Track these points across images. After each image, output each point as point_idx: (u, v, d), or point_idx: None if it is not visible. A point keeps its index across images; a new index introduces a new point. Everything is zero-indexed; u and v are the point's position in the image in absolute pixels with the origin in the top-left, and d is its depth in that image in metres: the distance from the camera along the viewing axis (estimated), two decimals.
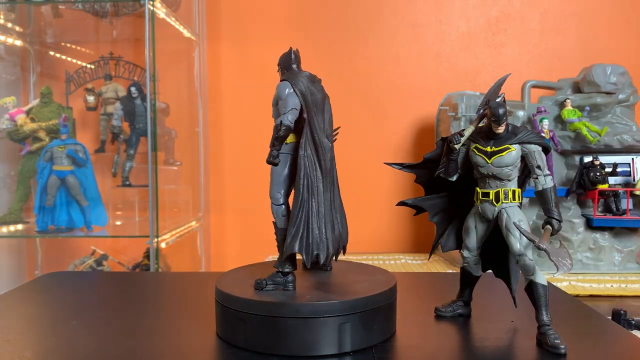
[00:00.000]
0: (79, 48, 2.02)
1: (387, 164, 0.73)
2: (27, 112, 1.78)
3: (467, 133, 0.66)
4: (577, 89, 1.81)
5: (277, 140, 0.66)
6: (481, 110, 0.66)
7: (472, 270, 0.71)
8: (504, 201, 0.65)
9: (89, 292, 0.94)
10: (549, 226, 0.62)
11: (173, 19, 1.83)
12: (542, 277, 0.63)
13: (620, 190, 1.64)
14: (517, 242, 0.63)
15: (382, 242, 2.04)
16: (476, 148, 0.65)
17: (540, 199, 0.64)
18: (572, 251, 1.63)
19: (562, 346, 0.59)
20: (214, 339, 0.65)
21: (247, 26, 2.04)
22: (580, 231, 1.66)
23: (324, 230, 0.65)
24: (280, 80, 0.69)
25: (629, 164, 1.70)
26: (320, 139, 0.66)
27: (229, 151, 2.07)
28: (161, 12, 1.73)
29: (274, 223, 0.70)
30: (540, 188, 0.63)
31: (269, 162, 0.67)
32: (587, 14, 2.00)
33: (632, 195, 1.65)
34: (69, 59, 2.01)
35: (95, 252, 1.85)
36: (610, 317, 0.96)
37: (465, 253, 0.70)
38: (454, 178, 0.68)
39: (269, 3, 2.04)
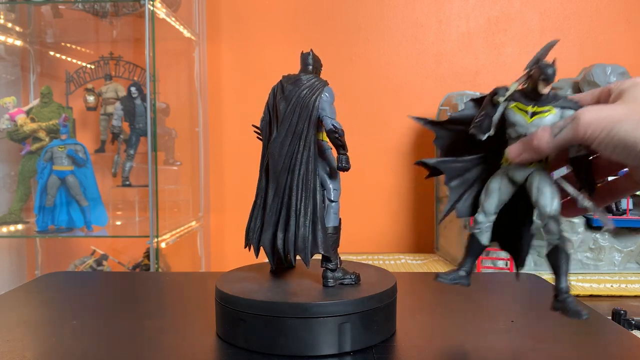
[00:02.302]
0: (79, 48, 2.02)
1: (412, 117, 0.71)
2: (27, 112, 1.79)
3: (512, 88, 0.66)
4: (577, 89, 1.81)
5: None
6: (527, 70, 0.66)
7: (481, 237, 0.69)
8: (537, 162, 0.65)
9: (89, 292, 0.93)
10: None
11: (173, 19, 1.83)
12: (567, 244, 0.63)
13: None
14: (550, 204, 0.63)
15: (382, 242, 2.04)
16: (517, 107, 0.65)
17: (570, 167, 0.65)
18: (572, 251, 1.63)
19: (584, 312, 0.58)
20: (214, 339, 0.65)
21: (247, 26, 2.04)
22: (580, 231, 1.66)
23: (256, 224, 0.70)
24: None
25: None
26: (270, 142, 0.67)
27: (229, 151, 2.07)
28: (161, 12, 1.73)
29: None
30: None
31: None
32: (587, 14, 2.00)
33: (632, 195, 1.65)
34: (69, 59, 2.01)
35: (95, 252, 1.85)
36: (610, 317, 0.96)
37: (481, 217, 0.68)
38: (484, 137, 0.68)
39: (269, 3, 2.04)
